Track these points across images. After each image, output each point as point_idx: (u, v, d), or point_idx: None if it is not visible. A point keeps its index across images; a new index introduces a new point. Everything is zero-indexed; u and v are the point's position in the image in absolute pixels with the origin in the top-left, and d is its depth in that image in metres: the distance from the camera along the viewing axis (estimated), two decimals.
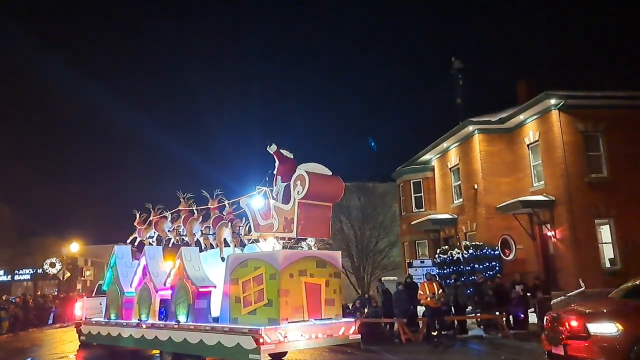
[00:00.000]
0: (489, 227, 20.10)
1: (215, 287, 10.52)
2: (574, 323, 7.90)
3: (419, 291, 14.48)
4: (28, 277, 40.63)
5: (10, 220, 45.36)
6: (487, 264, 18.82)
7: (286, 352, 10.76)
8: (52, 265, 36.25)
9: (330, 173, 10.25)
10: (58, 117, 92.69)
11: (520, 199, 18.70)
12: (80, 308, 15.11)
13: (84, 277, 45.02)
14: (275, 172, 10.29)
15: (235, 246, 11.25)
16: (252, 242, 11.55)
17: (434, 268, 20.09)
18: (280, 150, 10.33)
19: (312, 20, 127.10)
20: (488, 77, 76.56)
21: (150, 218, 13.58)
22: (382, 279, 19.75)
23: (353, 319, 10.69)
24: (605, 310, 8.26)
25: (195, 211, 12.34)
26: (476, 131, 21.02)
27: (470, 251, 19.35)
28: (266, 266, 9.42)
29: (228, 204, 11.66)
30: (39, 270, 38.26)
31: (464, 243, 20.74)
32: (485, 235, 20.09)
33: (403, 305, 14.96)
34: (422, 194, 25.84)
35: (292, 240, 10.01)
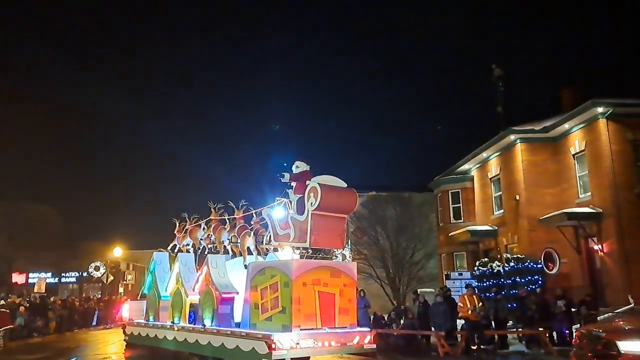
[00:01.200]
0: (531, 240, 19.54)
1: (237, 293, 10.96)
2: (603, 340, 7.63)
3: (459, 303, 14.19)
4: (74, 279, 42.06)
5: (59, 224, 47.22)
6: (530, 277, 18.26)
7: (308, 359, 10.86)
8: (97, 268, 37.42)
9: (345, 185, 10.49)
10: (107, 129, 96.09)
11: (566, 210, 18.10)
12: (126, 310, 15.93)
13: (125, 280, 46.23)
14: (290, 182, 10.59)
15: (258, 254, 11.60)
16: (273, 251, 11.89)
17: (473, 281, 19.65)
18: (296, 162, 10.66)
19: (349, 26, 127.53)
20: (529, 85, 74.84)
21: (186, 226, 14.24)
22: (419, 290, 19.45)
23: (368, 329, 10.87)
24: (638, 328, 7.89)
25: (228, 220, 12.80)
26: (518, 140, 20.55)
27: (512, 264, 18.84)
28: (281, 274, 9.78)
29: (255, 213, 12.04)
30: (84, 274, 39.56)
31: (504, 255, 20.21)
32: (527, 248, 19.54)
33: (441, 318, 14.68)
34: (461, 204, 25.43)
35: (309, 250, 10.26)
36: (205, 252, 13.51)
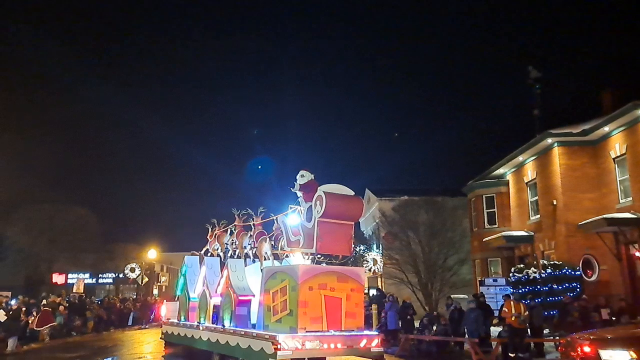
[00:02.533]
0: (569, 246, 19.00)
1: (254, 296, 11.53)
2: (586, 349, 7.61)
3: (504, 309, 13.90)
4: (111, 280, 43.14)
5: (96, 227, 48.52)
6: (567, 284, 17.73)
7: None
8: (132, 270, 38.21)
9: (352, 193, 10.89)
10: (148, 137, 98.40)
11: (605, 216, 17.53)
12: (163, 310, 16.74)
13: (160, 282, 47.12)
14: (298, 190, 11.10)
15: (275, 259, 12.10)
16: (285, 257, 12.34)
17: (508, 287, 19.22)
18: (301, 171, 11.05)
19: (381, 25, 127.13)
20: (567, 87, 72.93)
21: (216, 232, 14.94)
22: (452, 296, 19.16)
23: (377, 333, 11.19)
24: (621, 337, 7.87)
25: (253, 226, 13.27)
26: (556, 144, 20.04)
27: (548, 271, 18.34)
28: (289, 279, 10.21)
29: (276, 219, 12.53)
30: (120, 275, 40.49)
31: (541, 262, 19.71)
32: (565, 254, 19.00)
33: (474, 325, 14.40)
34: (496, 209, 24.98)
35: (319, 256, 10.66)
36: (228, 257, 14.14)
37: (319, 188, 10.57)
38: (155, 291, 45.38)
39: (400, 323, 17.21)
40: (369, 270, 31.03)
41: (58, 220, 37.59)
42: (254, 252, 13.11)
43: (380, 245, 31.78)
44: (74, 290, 32.91)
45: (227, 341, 11.42)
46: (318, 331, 9.85)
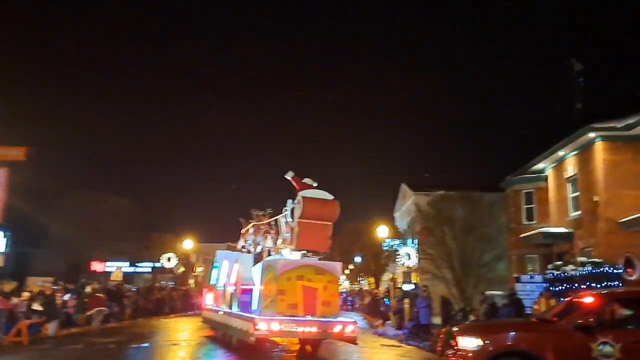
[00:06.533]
0: (609, 244, 18.30)
1: (254, 285, 13.38)
2: (457, 337, 8.52)
3: (534, 306, 13.60)
4: (148, 269, 44.27)
5: (135, 216, 49.82)
6: (607, 283, 17.12)
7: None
8: (169, 259, 39.09)
9: (332, 197, 12.59)
10: (187, 128, 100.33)
11: None
12: (203, 298, 19.13)
13: (195, 272, 48.09)
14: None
15: (274, 254, 13.69)
16: (275, 252, 14.00)
17: (544, 285, 18.72)
18: (304, 179, 12.83)
19: (425, 16, 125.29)
20: (611, 80, 70.19)
21: (247, 227, 16.71)
22: (486, 292, 18.83)
23: (352, 320, 12.55)
24: (479, 326, 9.40)
25: (273, 225, 14.66)
26: (598, 138, 19.29)
27: (588, 268, 17.74)
28: (273, 271, 11.93)
29: (275, 219, 14.29)
30: (157, 264, 41.53)
31: (580, 259, 19.10)
32: (605, 252, 18.32)
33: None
34: (534, 205, 24.37)
35: (298, 250, 12.31)
36: (244, 252, 16.13)
37: (299, 193, 12.32)
38: (191, 281, 46.33)
39: (431, 319, 17.07)
40: (403, 264, 30.79)
41: (99, 209, 38.83)
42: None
43: (415, 240, 31.45)
44: (112, 279, 33.94)
45: (232, 323, 13.44)
46: (294, 316, 11.40)
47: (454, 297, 26.50)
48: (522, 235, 23.73)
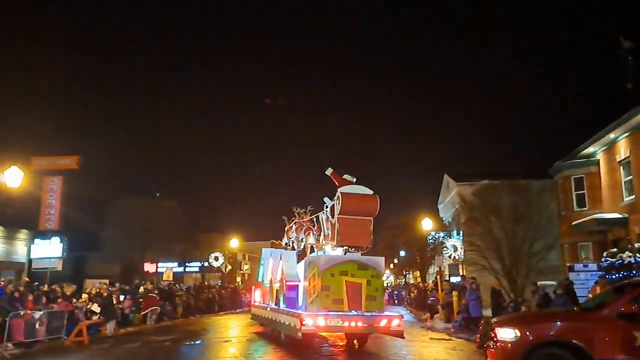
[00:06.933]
0: None
1: (299, 281, 13.48)
2: (495, 329, 8.43)
3: (589, 295, 13.17)
4: (197, 269, 45.35)
5: (184, 218, 51.07)
6: None
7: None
8: (216, 259, 39.91)
9: (371, 192, 12.55)
10: (232, 131, 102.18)
11: None
12: (252, 295, 19.57)
13: (242, 270, 48.89)
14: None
15: (317, 250, 13.99)
16: (318, 249, 14.22)
17: (599, 273, 18.02)
18: (343, 175, 12.86)
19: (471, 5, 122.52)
20: None
21: (290, 226, 16.97)
22: (538, 282, 18.30)
23: (398, 314, 12.46)
24: (518, 317, 9.53)
25: (315, 222, 14.89)
26: None
27: None
28: (316, 267, 12.00)
29: (316, 216, 14.40)
30: (205, 263, 42.46)
31: (637, 245, 18.29)
32: None
33: None
34: (585, 191, 23.49)
35: (341, 247, 12.43)
36: (289, 249, 16.25)
37: (338, 189, 12.40)
38: (238, 279, 47.15)
39: (482, 311, 16.78)
40: (449, 257, 30.33)
41: (150, 212, 39.94)
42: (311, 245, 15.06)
43: (461, 232, 30.90)
44: (164, 278, 34.90)
45: (279, 319, 13.69)
46: (339, 311, 11.42)
47: (504, 288, 25.94)
48: (573, 223, 22.95)
